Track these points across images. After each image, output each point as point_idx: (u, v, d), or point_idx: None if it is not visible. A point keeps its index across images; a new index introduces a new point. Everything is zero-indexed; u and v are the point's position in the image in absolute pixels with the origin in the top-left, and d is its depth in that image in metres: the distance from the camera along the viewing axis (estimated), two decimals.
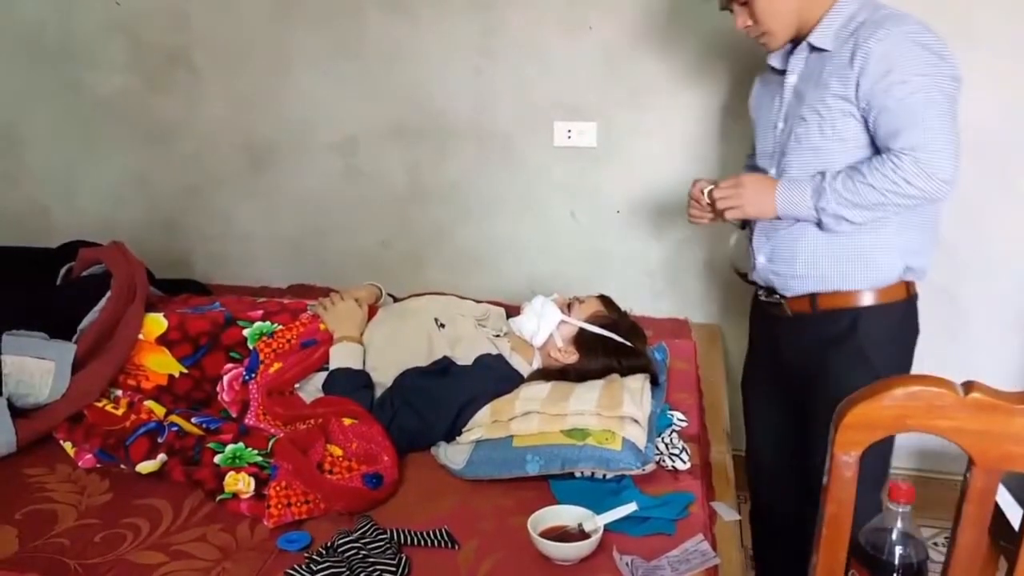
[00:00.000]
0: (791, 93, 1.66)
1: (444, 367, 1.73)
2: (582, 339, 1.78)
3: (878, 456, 1.72)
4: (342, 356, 1.76)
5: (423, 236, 2.63)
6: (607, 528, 1.34)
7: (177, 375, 1.79)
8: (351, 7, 2.43)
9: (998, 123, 2.15)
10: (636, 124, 2.38)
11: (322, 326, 1.83)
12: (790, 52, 1.67)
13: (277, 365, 1.75)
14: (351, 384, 1.70)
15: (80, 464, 1.61)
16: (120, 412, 1.71)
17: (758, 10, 1.58)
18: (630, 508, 1.39)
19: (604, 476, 1.52)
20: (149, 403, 1.73)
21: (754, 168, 1.81)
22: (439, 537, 1.36)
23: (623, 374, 1.73)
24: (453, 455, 1.60)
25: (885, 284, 1.62)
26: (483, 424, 1.61)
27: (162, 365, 1.79)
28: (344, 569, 1.27)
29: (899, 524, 1.10)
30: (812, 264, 1.64)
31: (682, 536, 1.37)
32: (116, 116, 2.71)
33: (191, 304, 1.97)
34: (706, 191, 1.70)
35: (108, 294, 1.83)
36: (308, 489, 1.45)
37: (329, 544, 1.33)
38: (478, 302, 2.09)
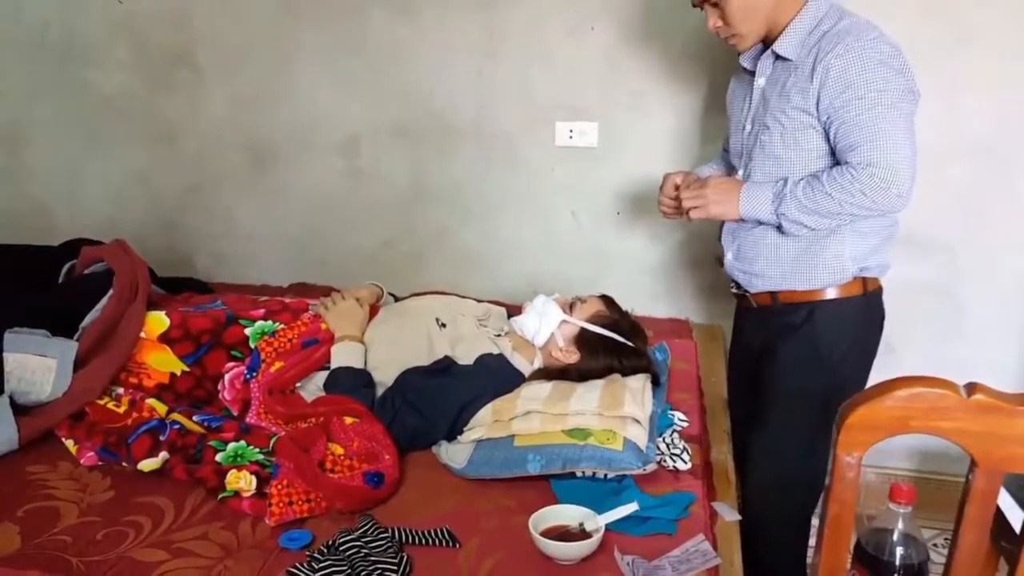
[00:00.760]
0: (759, 95, 1.72)
1: (445, 366, 1.73)
2: (584, 339, 1.78)
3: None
4: (343, 355, 1.76)
5: (425, 235, 2.64)
6: (608, 528, 1.34)
7: (179, 373, 1.79)
8: (354, 7, 2.43)
9: (998, 123, 2.15)
10: (638, 125, 2.38)
11: (323, 325, 1.83)
12: (760, 53, 1.72)
13: (278, 364, 1.75)
14: (352, 383, 1.70)
15: (82, 462, 1.61)
16: (122, 410, 1.71)
17: (729, 12, 1.62)
18: (631, 508, 1.39)
19: (605, 476, 1.52)
20: (151, 401, 1.73)
21: (730, 164, 1.89)
22: (440, 536, 1.37)
23: (624, 374, 1.74)
24: (454, 454, 1.60)
25: (841, 283, 1.70)
26: (484, 423, 1.61)
27: (164, 363, 1.80)
28: (345, 568, 1.27)
29: (900, 525, 1.10)
30: (773, 264, 1.73)
31: (683, 536, 1.37)
32: (119, 115, 2.71)
33: (193, 302, 1.97)
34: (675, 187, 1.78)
35: (110, 292, 1.83)
36: (310, 488, 1.45)
37: (330, 543, 1.33)
38: (479, 301, 2.09)
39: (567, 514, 1.37)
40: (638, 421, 1.55)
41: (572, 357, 1.78)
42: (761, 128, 1.70)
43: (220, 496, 1.48)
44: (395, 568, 1.27)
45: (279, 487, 1.44)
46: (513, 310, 1.98)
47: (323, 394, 1.71)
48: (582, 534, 1.33)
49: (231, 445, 1.58)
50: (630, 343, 1.78)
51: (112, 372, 1.75)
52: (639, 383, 1.68)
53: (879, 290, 1.78)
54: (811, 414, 1.74)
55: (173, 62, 2.62)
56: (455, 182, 2.55)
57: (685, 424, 1.72)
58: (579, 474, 1.52)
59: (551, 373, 1.77)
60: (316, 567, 1.27)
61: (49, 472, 1.59)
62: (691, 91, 2.32)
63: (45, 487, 1.54)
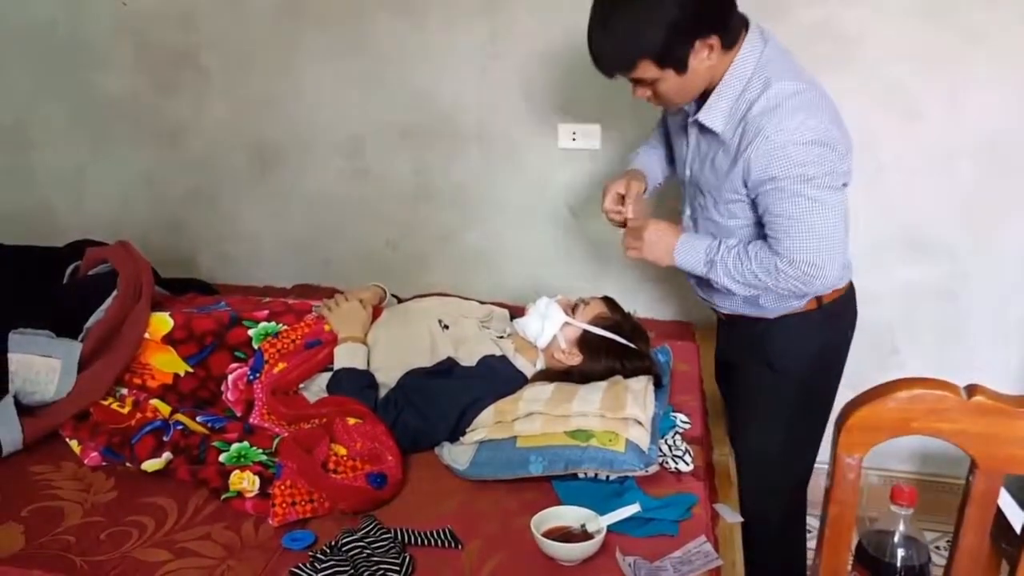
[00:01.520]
0: (694, 142, 1.68)
1: (448, 368, 1.74)
2: (586, 341, 1.79)
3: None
4: (346, 356, 1.76)
5: (428, 237, 2.64)
6: (610, 529, 1.35)
7: (182, 374, 1.80)
8: (358, 9, 2.44)
9: (1000, 124, 2.15)
10: (640, 126, 2.38)
11: (327, 327, 1.84)
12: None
13: (281, 365, 1.76)
14: (355, 384, 1.71)
15: (86, 462, 1.62)
16: (126, 410, 1.71)
17: (661, 91, 1.53)
18: (633, 509, 1.39)
19: (607, 477, 1.52)
20: (154, 402, 1.74)
21: (664, 143, 1.91)
22: (443, 537, 1.37)
23: (626, 376, 1.74)
24: (457, 455, 1.60)
25: (792, 310, 1.70)
26: (487, 425, 1.62)
27: (168, 364, 1.80)
28: (348, 568, 1.27)
29: (901, 527, 1.10)
30: (725, 299, 1.75)
31: (685, 537, 1.37)
32: (123, 116, 2.72)
33: (197, 304, 1.98)
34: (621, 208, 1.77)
35: (114, 293, 1.84)
36: (312, 488, 1.46)
37: (333, 543, 1.34)
38: (482, 303, 2.09)
39: (569, 515, 1.38)
40: (640, 423, 1.55)
41: (574, 359, 1.78)
42: (696, 191, 1.70)
43: (223, 496, 1.49)
44: (397, 569, 1.27)
45: (282, 488, 1.45)
46: (516, 312, 1.98)
47: (326, 395, 1.72)
48: (584, 535, 1.34)
49: (234, 446, 1.59)
50: (632, 345, 1.79)
51: (116, 373, 1.76)
52: (641, 385, 1.68)
53: (842, 296, 1.73)
54: (781, 425, 1.78)
55: (178, 63, 2.62)
56: (458, 184, 2.56)
57: (687, 426, 1.73)
58: (581, 475, 1.52)
59: (553, 375, 1.78)
60: (319, 567, 1.27)
61: (53, 472, 1.59)
62: None
63: (49, 487, 1.54)
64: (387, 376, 1.74)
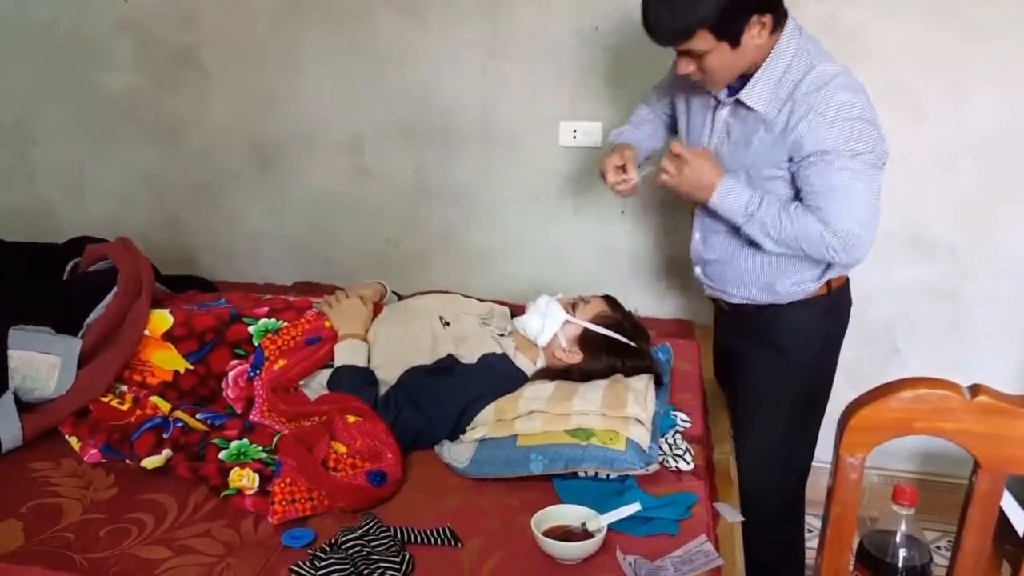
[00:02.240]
0: (722, 129, 1.70)
1: (448, 365, 1.73)
2: (586, 339, 1.78)
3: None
4: (347, 354, 1.76)
5: (429, 235, 2.64)
6: (610, 528, 1.34)
7: (182, 371, 1.79)
8: (360, 7, 2.44)
9: (1002, 125, 2.15)
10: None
11: (327, 323, 1.84)
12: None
13: (282, 362, 1.76)
14: (355, 381, 1.70)
15: (85, 459, 1.61)
16: (125, 407, 1.71)
17: (709, 66, 1.57)
18: (633, 508, 1.38)
19: (608, 476, 1.52)
20: (154, 399, 1.73)
21: (650, 124, 1.95)
22: (443, 535, 1.37)
23: (627, 374, 1.74)
24: (457, 453, 1.60)
25: (805, 296, 1.74)
26: (487, 423, 1.62)
27: (168, 361, 1.80)
28: (348, 566, 1.27)
29: (903, 527, 1.10)
30: (738, 287, 1.79)
31: (685, 536, 1.37)
32: (125, 114, 2.72)
33: (197, 300, 1.97)
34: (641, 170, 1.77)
35: (114, 290, 1.84)
36: (312, 486, 1.45)
37: (333, 541, 1.33)
38: (482, 301, 2.09)
39: (569, 514, 1.37)
40: (641, 421, 1.54)
41: (575, 357, 1.78)
42: (725, 170, 1.69)
43: (223, 494, 1.49)
44: (397, 567, 1.27)
45: (282, 485, 1.44)
46: (516, 310, 1.98)
47: (326, 392, 1.71)
48: (584, 534, 1.33)
49: (234, 443, 1.58)
50: (633, 343, 1.78)
51: (116, 370, 1.76)
52: (642, 383, 1.68)
53: (845, 284, 1.81)
54: (786, 412, 1.82)
55: (179, 61, 2.62)
56: (459, 181, 2.55)
57: (687, 425, 1.73)
58: (581, 474, 1.52)
59: (554, 373, 1.77)
60: (318, 565, 1.27)
61: (53, 469, 1.59)
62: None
63: (49, 484, 1.54)
64: (387, 373, 1.73)
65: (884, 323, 2.38)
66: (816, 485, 2.15)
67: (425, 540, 1.36)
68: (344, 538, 1.33)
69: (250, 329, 1.82)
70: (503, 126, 2.47)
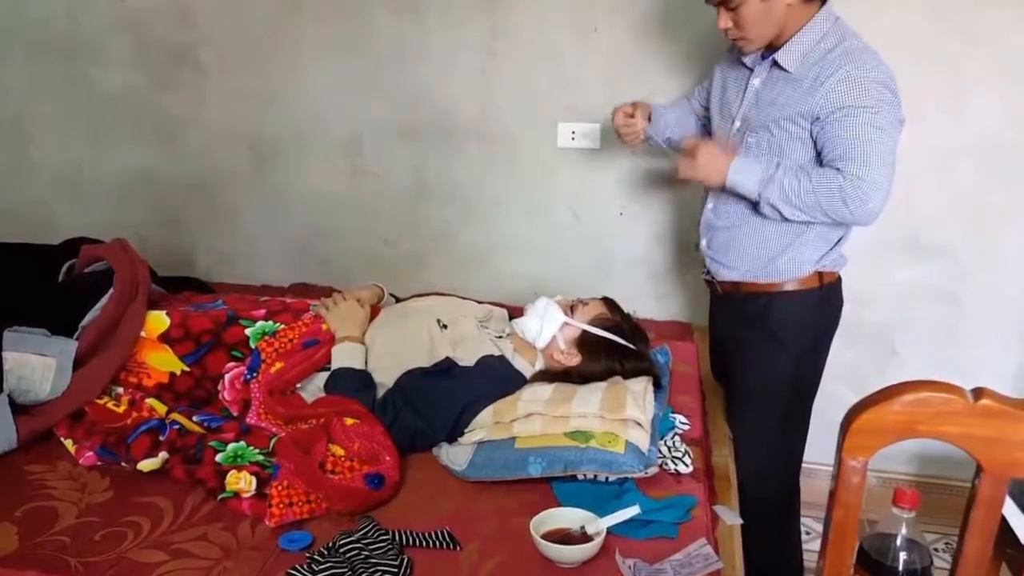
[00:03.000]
0: (752, 96, 1.78)
1: (446, 368, 1.73)
2: (585, 341, 1.78)
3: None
4: (344, 356, 1.75)
5: (426, 236, 2.63)
6: (609, 531, 1.34)
7: (179, 373, 1.79)
8: (358, 6, 2.43)
9: (1003, 125, 2.15)
10: None
11: (324, 326, 1.83)
12: (761, 55, 1.77)
13: (279, 365, 1.75)
14: (353, 384, 1.70)
15: (81, 461, 1.60)
16: (121, 410, 1.70)
17: (743, 19, 1.66)
18: (632, 511, 1.38)
19: (606, 479, 1.51)
20: (150, 401, 1.72)
21: (690, 118, 2.04)
22: (441, 538, 1.36)
23: (626, 376, 1.73)
24: (455, 456, 1.59)
25: (800, 278, 1.79)
26: (485, 425, 1.61)
27: (164, 363, 1.79)
28: (346, 569, 1.26)
29: (903, 530, 1.09)
30: (739, 259, 1.83)
31: (684, 539, 1.36)
32: (122, 113, 2.71)
33: (194, 302, 1.96)
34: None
35: (110, 291, 1.83)
36: (310, 489, 1.44)
37: (331, 544, 1.33)
38: (480, 303, 2.08)
39: (568, 517, 1.37)
40: (640, 424, 1.54)
41: (573, 359, 1.77)
42: (749, 131, 1.76)
43: (220, 497, 1.48)
44: (395, 570, 1.26)
45: (279, 488, 1.43)
46: (514, 312, 1.98)
47: (323, 395, 1.71)
48: (583, 537, 1.33)
49: (231, 446, 1.58)
50: (632, 346, 1.78)
51: (112, 371, 1.75)
52: (641, 386, 1.67)
53: (836, 282, 1.86)
54: (777, 401, 1.86)
55: (176, 60, 2.61)
56: (457, 182, 2.55)
57: (686, 427, 1.72)
58: (580, 477, 1.52)
59: (552, 375, 1.77)
60: (316, 569, 1.26)
61: (48, 472, 1.58)
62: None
63: (44, 487, 1.53)
64: (385, 376, 1.72)
65: (883, 325, 2.38)
66: (816, 488, 2.15)
67: (423, 543, 1.35)
68: (342, 541, 1.32)
69: (247, 331, 1.81)
70: (501, 127, 2.46)
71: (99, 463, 1.60)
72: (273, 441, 1.58)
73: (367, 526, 1.37)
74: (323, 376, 1.75)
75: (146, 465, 1.55)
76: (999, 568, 1.52)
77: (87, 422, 1.67)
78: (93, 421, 1.67)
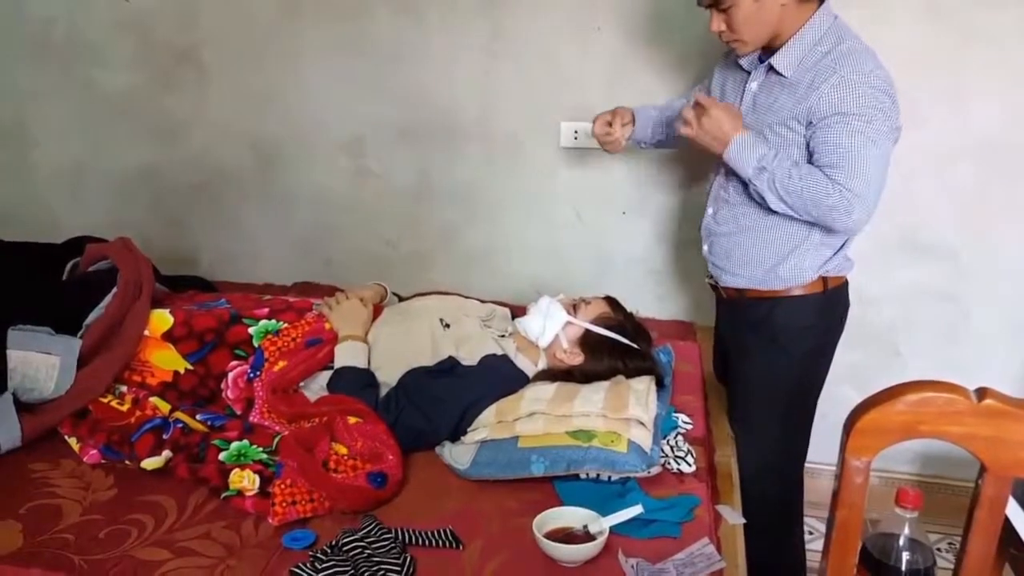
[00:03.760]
0: (750, 99, 1.76)
1: (449, 367, 1.73)
2: (588, 340, 1.78)
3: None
4: (347, 355, 1.76)
5: (429, 236, 2.63)
6: (612, 530, 1.34)
7: (182, 371, 1.79)
8: (360, 7, 2.43)
9: (1004, 126, 2.15)
10: None
11: (327, 325, 1.83)
12: (758, 57, 1.75)
13: (282, 363, 1.75)
14: (356, 383, 1.70)
15: (85, 460, 1.61)
16: (125, 408, 1.71)
17: (735, 20, 1.64)
18: (635, 510, 1.38)
19: (609, 478, 1.51)
20: (154, 399, 1.73)
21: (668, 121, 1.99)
22: (444, 537, 1.36)
23: (629, 376, 1.73)
24: (458, 455, 1.59)
25: (803, 284, 1.77)
26: (488, 424, 1.61)
27: (167, 361, 1.79)
28: (349, 568, 1.26)
29: (906, 530, 1.09)
30: (742, 266, 1.81)
31: (687, 539, 1.37)
32: (124, 113, 2.71)
33: (197, 301, 1.97)
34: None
35: (114, 290, 1.83)
36: (313, 487, 1.45)
37: (334, 543, 1.33)
38: (483, 302, 2.08)
39: (571, 516, 1.37)
40: (642, 423, 1.54)
41: (576, 359, 1.77)
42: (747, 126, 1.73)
43: (223, 495, 1.48)
44: (398, 569, 1.26)
45: (282, 487, 1.44)
46: (517, 311, 1.98)
47: (326, 394, 1.71)
48: (586, 536, 1.33)
49: (234, 444, 1.58)
50: (634, 345, 1.78)
51: (116, 370, 1.75)
52: (643, 385, 1.67)
53: (842, 286, 1.84)
54: (780, 404, 1.85)
55: (179, 61, 2.61)
56: (460, 182, 2.55)
57: (689, 426, 1.72)
58: (583, 476, 1.52)
59: (555, 374, 1.77)
60: (319, 567, 1.27)
61: (52, 470, 1.58)
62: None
63: (48, 485, 1.53)
64: (388, 375, 1.73)
65: (885, 326, 2.38)
66: (819, 488, 2.15)
67: (426, 542, 1.35)
68: (345, 540, 1.33)
69: (250, 330, 1.81)
70: (504, 127, 2.46)
71: (103, 461, 1.61)
72: (276, 440, 1.59)
73: (370, 525, 1.37)
74: (326, 375, 1.75)
75: (150, 463, 1.55)
76: (1002, 568, 1.52)
77: (91, 420, 1.68)
78: (97, 419, 1.68)
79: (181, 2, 2.54)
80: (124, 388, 1.76)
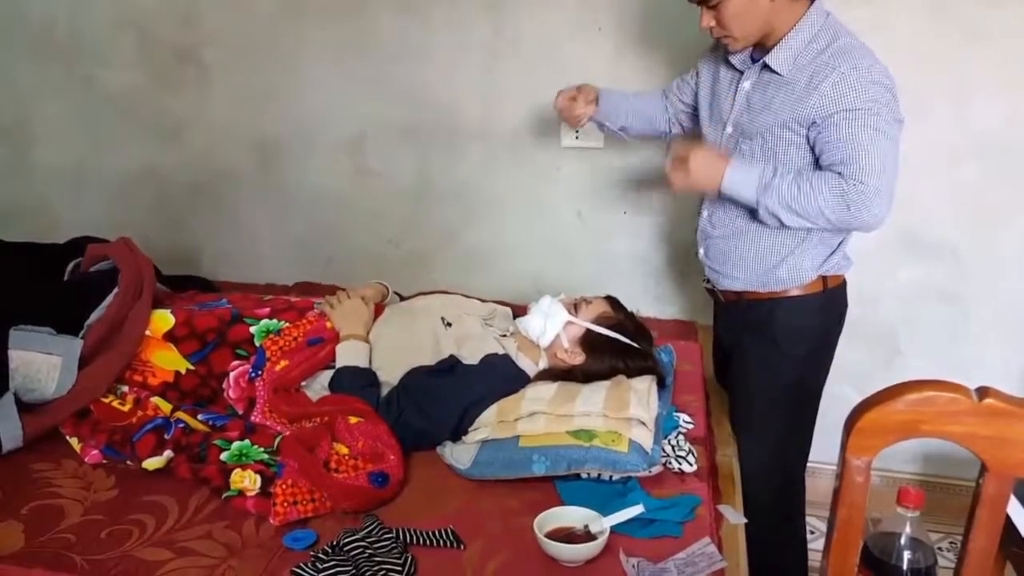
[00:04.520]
0: (743, 99, 1.73)
1: (450, 366, 1.73)
2: (589, 340, 1.78)
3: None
4: (348, 354, 1.76)
5: (430, 235, 2.63)
6: (613, 530, 1.34)
7: (183, 371, 1.79)
8: (361, 5, 2.43)
9: (1005, 125, 2.15)
10: None
11: (329, 324, 1.83)
12: (750, 56, 1.73)
13: (283, 363, 1.75)
14: (357, 382, 1.70)
15: (86, 460, 1.61)
16: (126, 408, 1.71)
17: (725, 16, 1.62)
18: (636, 510, 1.38)
19: (610, 478, 1.51)
20: (155, 399, 1.73)
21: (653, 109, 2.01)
22: (445, 537, 1.36)
23: (630, 375, 1.73)
24: (459, 455, 1.59)
25: (802, 284, 1.76)
26: (489, 424, 1.61)
27: (169, 361, 1.79)
28: (350, 568, 1.26)
29: (908, 529, 1.09)
30: (738, 268, 1.80)
31: (688, 538, 1.37)
32: (125, 113, 2.71)
33: (198, 301, 1.97)
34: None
35: (115, 290, 1.83)
36: (314, 487, 1.45)
37: (335, 543, 1.33)
38: (484, 302, 2.08)
39: (572, 516, 1.37)
40: (643, 423, 1.54)
41: (577, 358, 1.77)
42: (742, 137, 1.72)
43: (224, 495, 1.48)
44: (399, 569, 1.26)
45: (284, 486, 1.44)
46: (518, 311, 1.98)
47: (328, 393, 1.71)
48: (587, 536, 1.33)
49: (236, 444, 1.58)
50: (635, 344, 1.78)
51: (117, 370, 1.75)
52: (644, 385, 1.67)
53: (841, 285, 1.83)
54: (781, 406, 1.84)
55: (180, 60, 2.62)
56: (461, 182, 2.55)
57: (690, 426, 1.72)
58: (584, 475, 1.52)
59: (556, 374, 1.77)
60: (320, 567, 1.27)
61: (53, 470, 1.58)
62: None
63: (49, 485, 1.53)
64: (389, 374, 1.73)
65: (886, 325, 2.38)
66: (820, 488, 2.15)
67: (427, 542, 1.36)
68: (346, 540, 1.33)
69: (252, 329, 1.81)
70: (505, 126, 2.46)
71: (104, 461, 1.61)
72: (278, 439, 1.59)
73: (371, 524, 1.37)
74: (328, 374, 1.75)
75: (151, 463, 1.55)
76: (1003, 567, 1.52)
77: (92, 420, 1.68)
78: (98, 419, 1.68)
79: (182, 1, 2.55)
80: (125, 388, 1.77)
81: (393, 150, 2.56)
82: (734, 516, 1.52)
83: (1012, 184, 2.20)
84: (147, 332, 1.80)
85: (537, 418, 1.58)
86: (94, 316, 1.80)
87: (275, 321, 1.84)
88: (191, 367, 1.79)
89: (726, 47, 1.71)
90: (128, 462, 1.59)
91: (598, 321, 1.79)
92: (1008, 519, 1.42)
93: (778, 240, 1.73)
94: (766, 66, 1.67)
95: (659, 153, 2.39)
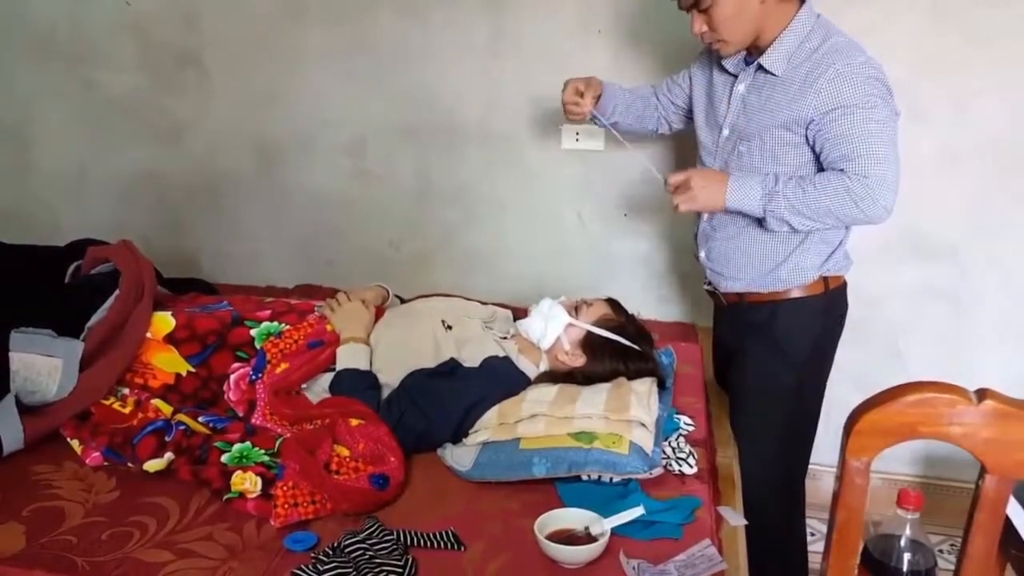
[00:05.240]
0: (739, 102, 1.74)
1: (451, 368, 1.73)
2: (589, 342, 1.78)
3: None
4: (349, 357, 1.76)
5: (431, 237, 2.63)
6: (614, 532, 1.34)
7: (184, 374, 1.79)
8: (361, 7, 2.44)
9: (1006, 128, 2.15)
10: None
11: (329, 327, 1.83)
12: (743, 59, 1.74)
13: (284, 365, 1.75)
14: (358, 385, 1.70)
15: (87, 462, 1.61)
16: (127, 410, 1.71)
17: (716, 20, 1.62)
18: (637, 512, 1.38)
19: (611, 479, 1.51)
20: (156, 402, 1.73)
21: (645, 102, 2.01)
22: (445, 539, 1.36)
23: (630, 377, 1.73)
24: (460, 457, 1.60)
25: (804, 284, 1.76)
26: (490, 426, 1.61)
27: (169, 364, 1.80)
28: (351, 570, 1.27)
29: (908, 531, 1.10)
30: (741, 268, 1.80)
31: (689, 540, 1.37)
32: (126, 116, 2.72)
33: (199, 303, 1.97)
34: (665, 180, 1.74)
35: (116, 292, 1.83)
36: (315, 489, 1.45)
37: (336, 545, 1.33)
38: (484, 304, 2.09)
39: (573, 517, 1.37)
40: (644, 425, 1.54)
41: (578, 360, 1.77)
42: (740, 140, 1.73)
43: (225, 497, 1.48)
44: (400, 570, 1.27)
45: (284, 489, 1.44)
46: (519, 313, 1.98)
47: (328, 396, 1.71)
48: (588, 538, 1.33)
49: (236, 446, 1.58)
50: (636, 347, 1.78)
51: (118, 372, 1.75)
52: (645, 387, 1.67)
53: (842, 286, 1.83)
54: (782, 408, 1.84)
55: (180, 62, 2.62)
56: (461, 183, 2.55)
57: (691, 428, 1.72)
58: (585, 477, 1.52)
59: (557, 376, 1.77)
60: (321, 569, 1.27)
61: (54, 472, 1.59)
62: None
63: (50, 487, 1.54)
64: (390, 377, 1.73)
65: (887, 326, 2.38)
66: (819, 489, 2.15)
67: (428, 544, 1.36)
68: (347, 541, 1.33)
69: (252, 332, 1.81)
70: (505, 128, 2.47)
71: (105, 463, 1.61)
72: (278, 442, 1.59)
73: (372, 526, 1.37)
74: (328, 377, 1.75)
75: (152, 465, 1.56)
76: (1003, 569, 1.52)
77: (93, 423, 1.68)
78: (99, 422, 1.68)
79: (182, 4, 2.55)
80: (126, 390, 1.77)
81: (393, 152, 2.56)
82: (734, 518, 1.52)
83: (1013, 185, 2.20)
84: (148, 334, 1.80)
85: (538, 420, 1.58)
86: (95, 318, 1.81)
87: (276, 324, 1.84)
88: (192, 369, 1.79)
89: (718, 52, 1.71)
90: (129, 464, 1.59)
91: (599, 323, 1.79)
92: (1008, 521, 1.42)
93: (778, 241, 1.73)
94: (761, 67, 1.68)
95: (659, 153, 2.40)
